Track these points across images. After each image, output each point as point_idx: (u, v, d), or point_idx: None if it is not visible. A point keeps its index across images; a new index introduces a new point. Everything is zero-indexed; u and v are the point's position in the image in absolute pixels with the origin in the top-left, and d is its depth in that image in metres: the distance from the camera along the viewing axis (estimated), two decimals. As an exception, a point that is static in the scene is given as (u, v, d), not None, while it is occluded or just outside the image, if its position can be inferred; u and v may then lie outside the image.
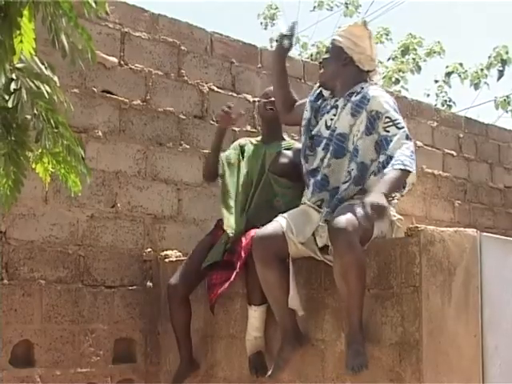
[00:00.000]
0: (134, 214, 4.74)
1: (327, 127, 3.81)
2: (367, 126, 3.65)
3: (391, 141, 3.57)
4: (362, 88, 3.75)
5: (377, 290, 3.57)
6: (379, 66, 3.92)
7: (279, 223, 3.73)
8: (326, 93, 3.95)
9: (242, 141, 4.52)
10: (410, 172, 3.50)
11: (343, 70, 3.81)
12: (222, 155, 4.43)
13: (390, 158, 3.55)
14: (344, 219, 3.40)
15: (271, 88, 4.26)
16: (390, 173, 3.48)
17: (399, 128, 3.61)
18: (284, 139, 4.41)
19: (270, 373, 3.82)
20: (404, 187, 3.61)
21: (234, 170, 4.37)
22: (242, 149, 4.43)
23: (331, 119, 3.80)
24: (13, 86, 2.49)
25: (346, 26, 3.95)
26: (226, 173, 4.37)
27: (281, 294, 3.70)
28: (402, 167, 3.48)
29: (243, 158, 4.39)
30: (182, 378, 4.33)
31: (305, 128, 3.92)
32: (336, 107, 3.80)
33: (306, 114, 3.94)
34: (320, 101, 3.94)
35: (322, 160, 3.77)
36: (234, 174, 4.36)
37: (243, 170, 4.34)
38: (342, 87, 3.82)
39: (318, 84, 4.00)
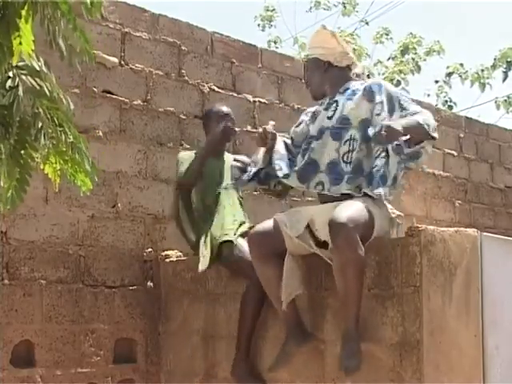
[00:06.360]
0: (135, 214, 4.74)
1: (329, 118, 3.81)
2: (389, 107, 3.70)
3: (413, 114, 3.71)
4: (354, 85, 3.83)
5: (377, 290, 3.56)
6: (356, 58, 4.01)
7: (274, 219, 3.74)
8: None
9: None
10: (430, 136, 3.69)
11: (327, 75, 3.89)
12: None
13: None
14: (345, 215, 3.40)
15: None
16: (413, 117, 3.65)
17: (415, 105, 3.79)
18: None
19: (270, 366, 3.81)
20: (420, 156, 3.74)
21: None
22: None
23: (334, 110, 3.80)
24: (9, 83, 2.48)
25: (310, 39, 4.09)
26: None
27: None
28: (422, 123, 3.64)
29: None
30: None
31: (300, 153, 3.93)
32: (335, 102, 3.82)
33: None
34: (309, 117, 3.97)
35: (337, 151, 3.74)
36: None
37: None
38: (331, 89, 3.88)
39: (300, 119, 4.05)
